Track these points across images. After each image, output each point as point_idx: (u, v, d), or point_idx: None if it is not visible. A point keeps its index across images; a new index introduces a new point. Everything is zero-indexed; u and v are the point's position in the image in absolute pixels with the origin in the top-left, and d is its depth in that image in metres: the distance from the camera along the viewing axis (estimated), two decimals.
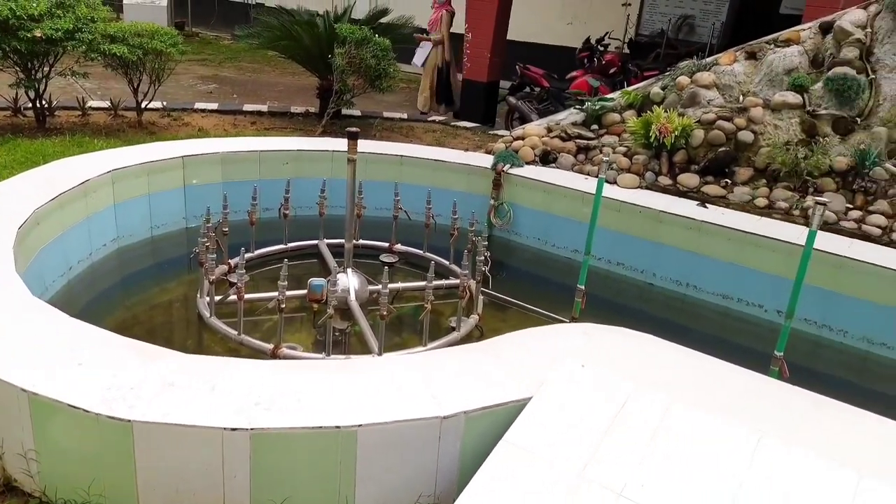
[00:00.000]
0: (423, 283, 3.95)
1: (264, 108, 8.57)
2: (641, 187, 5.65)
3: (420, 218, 5.22)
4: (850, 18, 5.60)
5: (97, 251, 4.90)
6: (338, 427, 2.47)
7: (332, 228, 5.15)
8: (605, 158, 4.32)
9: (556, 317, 4.64)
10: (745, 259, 4.94)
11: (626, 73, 9.66)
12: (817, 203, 3.46)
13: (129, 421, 2.39)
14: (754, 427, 2.63)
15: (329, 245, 5.18)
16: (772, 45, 5.87)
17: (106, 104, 7.51)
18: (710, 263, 5.10)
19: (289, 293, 4.32)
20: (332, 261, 4.84)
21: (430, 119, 8.81)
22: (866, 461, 2.49)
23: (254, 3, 16.84)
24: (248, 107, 8.52)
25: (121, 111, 7.39)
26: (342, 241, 4.53)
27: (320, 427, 2.46)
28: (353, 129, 4.10)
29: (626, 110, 6.29)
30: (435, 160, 6.11)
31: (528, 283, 5.71)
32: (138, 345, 2.90)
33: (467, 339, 4.29)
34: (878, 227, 4.95)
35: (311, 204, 5.25)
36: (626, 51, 11.08)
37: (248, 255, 4.88)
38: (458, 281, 4.30)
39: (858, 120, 5.39)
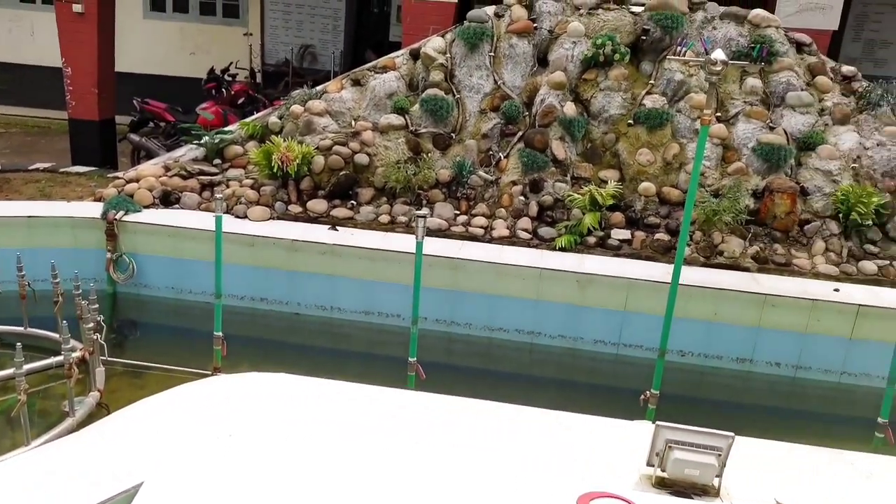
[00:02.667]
0: (11, 371, 3.26)
1: None
2: (273, 218, 5.57)
3: (11, 287, 4.36)
4: (432, 45, 6.28)
5: None
6: None
7: None
8: (218, 196, 4.12)
9: (198, 371, 4.28)
10: (378, 274, 5.20)
11: (255, 103, 9.57)
12: (417, 216, 3.76)
13: None
14: (386, 442, 2.68)
15: None
16: (372, 72, 6.30)
17: None
18: (348, 284, 5.25)
19: None
20: None
21: (31, 168, 7.54)
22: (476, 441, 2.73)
23: None
24: None
25: None
26: None
27: None
28: None
29: (248, 142, 6.16)
30: (28, 217, 5.20)
31: (166, 339, 5.22)
32: None
33: (89, 421, 3.68)
34: (481, 227, 5.63)
35: None
36: (256, 80, 11.02)
37: None
38: (61, 357, 3.66)
39: (453, 135, 6.08)
